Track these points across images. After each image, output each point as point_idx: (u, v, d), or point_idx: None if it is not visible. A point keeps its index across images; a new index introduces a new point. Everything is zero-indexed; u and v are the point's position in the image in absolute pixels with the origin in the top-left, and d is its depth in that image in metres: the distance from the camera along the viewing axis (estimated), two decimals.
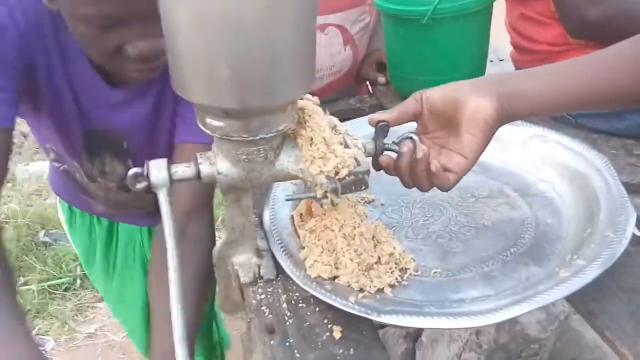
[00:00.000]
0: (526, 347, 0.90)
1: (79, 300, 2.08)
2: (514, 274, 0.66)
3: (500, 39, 1.18)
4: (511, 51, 1.14)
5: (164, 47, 0.53)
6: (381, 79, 1.14)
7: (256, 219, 0.69)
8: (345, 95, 1.15)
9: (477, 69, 1.05)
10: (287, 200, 0.71)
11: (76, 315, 2.03)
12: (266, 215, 0.75)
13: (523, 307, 0.55)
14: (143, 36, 0.68)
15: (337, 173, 0.59)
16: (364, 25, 1.14)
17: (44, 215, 2.36)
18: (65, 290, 2.09)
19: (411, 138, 0.65)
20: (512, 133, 0.83)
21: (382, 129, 0.65)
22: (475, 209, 0.78)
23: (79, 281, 2.11)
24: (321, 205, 0.66)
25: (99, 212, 1.08)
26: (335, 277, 0.64)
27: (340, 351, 0.58)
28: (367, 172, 0.61)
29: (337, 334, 0.60)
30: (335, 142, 0.59)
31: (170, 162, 0.59)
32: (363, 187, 0.62)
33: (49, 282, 2.09)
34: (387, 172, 0.66)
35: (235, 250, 0.69)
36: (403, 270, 0.68)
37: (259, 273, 0.69)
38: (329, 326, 0.61)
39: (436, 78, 1.00)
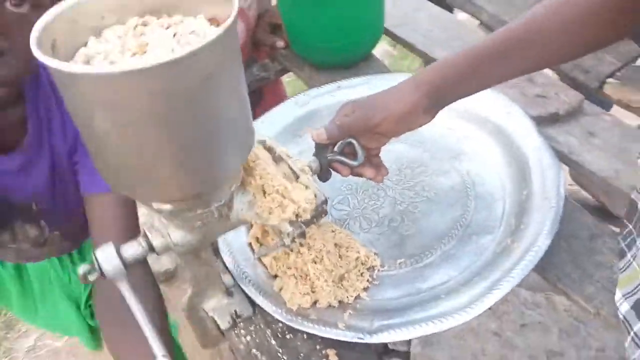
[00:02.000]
0: None
1: (5, 316, 1.93)
2: (469, 247, 0.71)
3: None
4: None
5: None
6: (279, 43, 1.08)
7: (218, 262, 0.67)
8: (246, 66, 1.09)
9: (377, 29, 1.03)
10: (258, 257, 0.69)
11: (8, 332, 1.90)
12: (224, 251, 0.72)
13: (495, 295, 0.60)
14: None
15: (297, 215, 0.58)
16: None
17: None
18: None
19: (351, 143, 0.65)
20: None
21: (326, 146, 0.65)
22: (415, 182, 0.81)
23: None
24: (291, 250, 0.65)
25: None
26: (315, 302, 0.66)
27: None
28: (326, 201, 0.61)
29: (333, 358, 0.63)
30: (286, 184, 0.57)
31: (117, 246, 0.55)
32: (324, 215, 0.62)
33: None
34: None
35: (203, 297, 0.68)
36: (371, 268, 0.71)
37: (236, 313, 0.69)
38: (323, 352, 0.64)
39: (337, 44, 0.98)
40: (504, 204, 0.74)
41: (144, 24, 0.48)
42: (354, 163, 0.65)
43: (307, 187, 0.59)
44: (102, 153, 0.45)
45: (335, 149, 0.66)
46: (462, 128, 0.86)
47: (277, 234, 0.61)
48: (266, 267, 0.70)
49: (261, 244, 0.72)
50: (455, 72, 0.63)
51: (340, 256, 0.69)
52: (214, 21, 0.48)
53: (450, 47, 1.07)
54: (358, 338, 0.60)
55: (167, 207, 0.51)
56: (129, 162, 0.45)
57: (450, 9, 1.33)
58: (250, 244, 0.73)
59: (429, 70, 0.64)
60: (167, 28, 0.48)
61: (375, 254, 0.72)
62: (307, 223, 0.60)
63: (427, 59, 1.08)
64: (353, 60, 1.03)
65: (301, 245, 0.66)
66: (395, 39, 1.12)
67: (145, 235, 0.56)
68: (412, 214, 0.77)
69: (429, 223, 0.75)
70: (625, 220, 0.64)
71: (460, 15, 1.56)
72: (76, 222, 0.93)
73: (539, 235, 0.64)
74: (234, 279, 0.70)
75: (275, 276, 0.69)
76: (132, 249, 0.55)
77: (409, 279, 0.69)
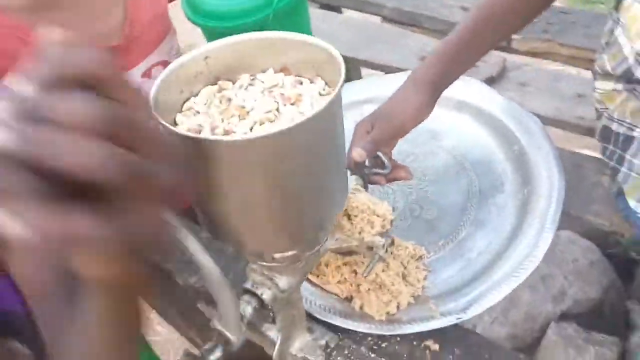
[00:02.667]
0: None
1: None
2: (490, 208, 0.80)
3: None
4: None
5: None
6: None
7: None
8: None
9: None
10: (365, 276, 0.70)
11: None
12: None
13: (546, 238, 0.69)
14: None
15: (383, 227, 0.61)
16: (177, 47, 1.04)
17: None
18: None
19: (377, 156, 0.70)
20: None
21: (362, 164, 0.69)
22: (413, 171, 0.88)
23: None
24: (384, 261, 0.67)
25: None
26: (397, 305, 0.70)
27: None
28: (392, 209, 0.65)
29: (434, 347, 0.68)
30: (368, 202, 0.60)
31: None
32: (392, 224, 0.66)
33: None
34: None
35: (290, 342, 0.68)
36: (419, 258, 0.76)
37: (325, 345, 0.70)
38: (422, 345, 0.68)
39: None
40: (500, 164, 0.84)
41: (220, 90, 0.49)
42: (386, 171, 0.70)
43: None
44: (242, 216, 0.45)
45: (367, 164, 0.70)
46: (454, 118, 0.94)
47: (367, 250, 0.64)
48: (336, 294, 0.72)
49: (317, 275, 0.74)
50: (446, 64, 0.71)
51: (394, 257, 0.74)
52: (285, 71, 0.50)
53: (371, 46, 1.16)
54: (457, 319, 0.65)
55: (290, 253, 0.52)
56: (263, 220, 0.46)
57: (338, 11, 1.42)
58: (308, 279, 0.74)
59: (424, 69, 0.71)
60: (245, 89, 0.49)
61: (416, 244, 0.78)
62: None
63: (355, 63, 1.16)
64: None
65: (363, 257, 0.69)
66: None
67: (250, 292, 0.56)
68: (427, 199, 0.84)
69: (445, 201, 0.83)
70: (602, 143, 0.78)
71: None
72: None
73: (552, 179, 0.74)
74: (309, 314, 0.71)
75: (346, 298, 0.72)
76: (247, 311, 0.55)
77: (456, 254, 0.76)
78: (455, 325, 0.67)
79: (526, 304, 1.24)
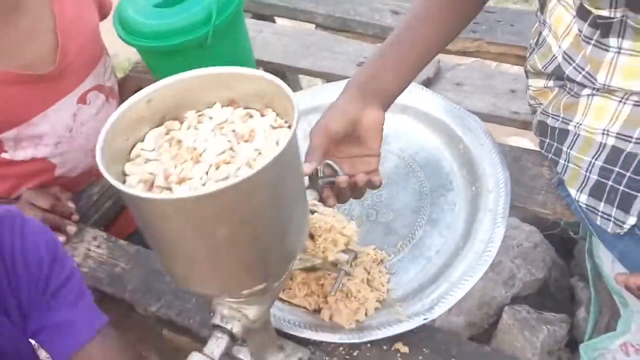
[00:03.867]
0: None
1: None
2: (443, 206, 0.83)
3: None
4: None
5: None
6: None
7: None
8: None
9: (252, 65, 1.09)
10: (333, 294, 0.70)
11: None
12: None
13: (501, 229, 0.73)
14: None
15: (346, 244, 0.62)
16: (111, 69, 1.00)
17: None
18: None
19: (328, 164, 0.70)
20: None
21: (315, 174, 0.69)
22: None
23: None
24: (347, 274, 0.68)
25: None
26: (365, 312, 0.71)
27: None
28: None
29: (404, 349, 0.69)
30: (331, 221, 0.61)
31: (200, 352, 0.54)
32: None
33: None
34: (327, 205, 0.71)
35: None
36: (381, 262, 0.78)
37: None
38: (392, 349, 0.70)
39: None
40: (448, 163, 0.87)
41: (167, 132, 0.48)
42: (340, 174, 0.69)
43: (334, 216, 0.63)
44: (212, 260, 0.44)
45: (320, 174, 0.70)
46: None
47: (330, 266, 0.64)
48: (304, 307, 0.72)
49: (284, 289, 0.74)
50: (376, 64, 0.73)
51: (356, 264, 0.75)
52: (233, 104, 0.49)
53: (310, 54, 1.16)
54: (424, 319, 0.68)
55: (260, 287, 0.51)
56: (231, 263, 0.45)
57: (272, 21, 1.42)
58: None
59: (357, 73, 0.72)
60: (194, 128, 0.47)
61: (376, 248, 0.79)
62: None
63: (295, 72, 1.16)
64: None
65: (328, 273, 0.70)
66: (262, 64, 1.17)
67: (220, 327, 0.55)
68: (381, 203, 0.86)
69: (399, 203, 0.85)
70: (540, 137, 0.82)
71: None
72: None
73: (497, 174, 0.78)
74: (279, 331, 0.71)
75: (315, 310, 0.72)
76: (218, 347, 0.54)
77: (415, 255, 0.78)
78: (425, 326, 0.69)
79: (479, 291, 1.30)
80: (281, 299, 0.74)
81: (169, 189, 0.42)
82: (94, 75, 0.92)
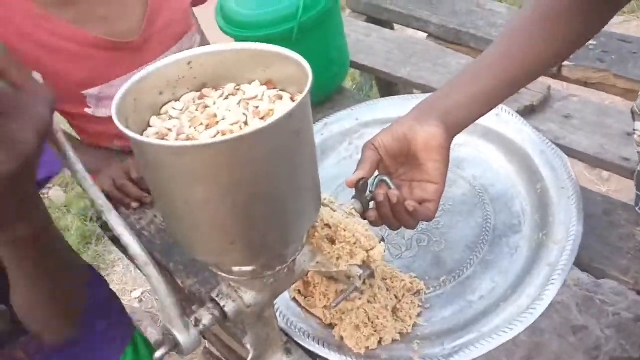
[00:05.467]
0: None
1: None
2: (502, 249, 0.74)
3: None
4: None
5: None
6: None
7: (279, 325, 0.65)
8: None
9: (346, 60, 1.06)
10: (334, 308, 0.67)
11: None
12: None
13: (552, 290, 0.63)
14: None
15: (363, 262, 0.58)
16: (199, 45, 1.07)
17: None
18: None
19: (383, 180, 0.65)
20: None
21: (363, 187, 0.64)
22: None
23: None
24: (361, 292, 0.64)
25: None
26: (380, 340, 0.66)
27: None
28: (383, 239, 0.61)
29: None
30: (358, 235, 0.57)
31: (187, 321, 0.53)
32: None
33: None
34: (374, 225, 0.66)
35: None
36: (417, 293, 0.72)
37: None
38: None
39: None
40: (521, 201, 0.78)
41: (201, 97, 0.48)
42: (392, 187, 0.64)
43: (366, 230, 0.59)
44: (193, 222, 0.44)
45: (371, 189, 0.66)
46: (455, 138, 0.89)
47: (345, 279, 0.60)
48: (319, 319, 0.69)
49: (305, 297, 0.71)
50: (454, 86, 0.65)
51: (387, 289, 0.70)
52: (269, 84, 0.49)
53: (411, 63, 1.11)
54: None
55: (250, 268, 0.50)
56: (223, 227, 0.44)
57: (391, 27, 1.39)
58: (294, 299, 0.72)
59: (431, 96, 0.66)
60: (226, 98, 0.48)
61: (416, 278, 0.73)
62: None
63: (390, 79, 1.12)
64: (327, 95, 1.05)
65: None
66: (358, 67, 1.15)
67: (215, 302, 0.54)
68: (437, 230, 0.79)
69: (456, 235, 0.77)
70: (637, 192, 0.69)
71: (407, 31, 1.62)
72: None
73: (571, 225, 0.68)
74: (289, 336, 0.69)
75: (330, 325, 0.69)
76: (205, 318, 0.53)
77: (457, 294, 0.71)
78: None
79: (553, 353, 1.14)
80: (300, 305, 0.71)
81: None
82: (177, 49, 0.98)
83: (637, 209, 0.68)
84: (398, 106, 0.91)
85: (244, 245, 0.46)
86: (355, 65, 1.15)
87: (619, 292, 1.19)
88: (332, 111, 0.99)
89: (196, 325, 0.52)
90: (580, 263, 0.72)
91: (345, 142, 0.94)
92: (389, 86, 1.41)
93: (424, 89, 1.06)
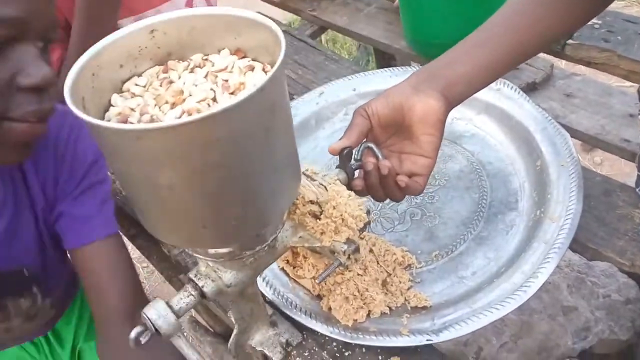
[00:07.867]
0: None
1: None
2: (498, 225, 0.72)
3: None
4: None
5: None
6: None
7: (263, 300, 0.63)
8: None
9: None
10: (319, 283, 0.66)
11: None
12: (260, 282, 0.69)
13: (548, 269, 0.61)
14: (39, 63, 0.55)
15: (348, 238, 0.56)
16: None
17: None
18: None
19: (370, 148, 0.63)
20: None
21: (347, 155, 0.62)
22: None
23: None
24: (346, 267, 0.63)
25: None
26: (368, 313, 0.64)
27: None
28: (369, 211, 0.59)
29: None
30: (345, 215, 0.55)
31: (166, 301, 0.51)
32: (368, 226, 0.60)
33: None
34: (359, 195, 0.64)
35: (249, 334, 0.64)
36: (408, 267, 0.70)
37: (287, 342, 0.66)
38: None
39: None
40: (519, 178, 0.76)
41: (165, 70, 0.45)
42: (380, 157, 0.62)
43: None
44: (160, 208, 0.41)
45: (356, 157, 0.63)
46: (453, 111, 0.86)
47: (329, 254, 0.59)
48: (308, 290, 0.68)
49: (294, 267, 0.69)
50: (454, 53, 0.62)
51: (377, 262, 0.68)
52: (239, 53, 0.45)
53: None
54: (427, 340, 0.59)
55: (226, 250, 0.48)
56: (193, 212, 0.41)
57: None
58: (283, 269, 0.70)
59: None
60: (192, 71, 0.44)
61: (408, 252, 0.71)
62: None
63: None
64: None
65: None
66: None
67: (193, 282, 0.52)
68: (432, 205, 0.77)
69: (451, 210, 0.76)
70: (639, 172, 0.68)
71: None
72: (63, 285, 0.86)
73: (570, 202, 0.66)
74: (275, 307, 0.67)
75: (318, 296, 0.67)
76: (184, 300, 0.51)
77: (449, 270, 0.69)
78: (431, 347, 0.61)
79: (542, 333, 1.14)
80: (288, 275, 0.70)
81: None
82: None
83: (637, 190, 0.66)
84: (398, 77, 0.89)
85: (217, 229, 0.43)
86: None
87: (610, 274, 1.18)
88: (328, 80, 0.96)
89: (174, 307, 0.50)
90: (576, 243, 0.71)
91: (340, 113, 0.92)
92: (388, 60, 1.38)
93: (422, 62, 1.04)
